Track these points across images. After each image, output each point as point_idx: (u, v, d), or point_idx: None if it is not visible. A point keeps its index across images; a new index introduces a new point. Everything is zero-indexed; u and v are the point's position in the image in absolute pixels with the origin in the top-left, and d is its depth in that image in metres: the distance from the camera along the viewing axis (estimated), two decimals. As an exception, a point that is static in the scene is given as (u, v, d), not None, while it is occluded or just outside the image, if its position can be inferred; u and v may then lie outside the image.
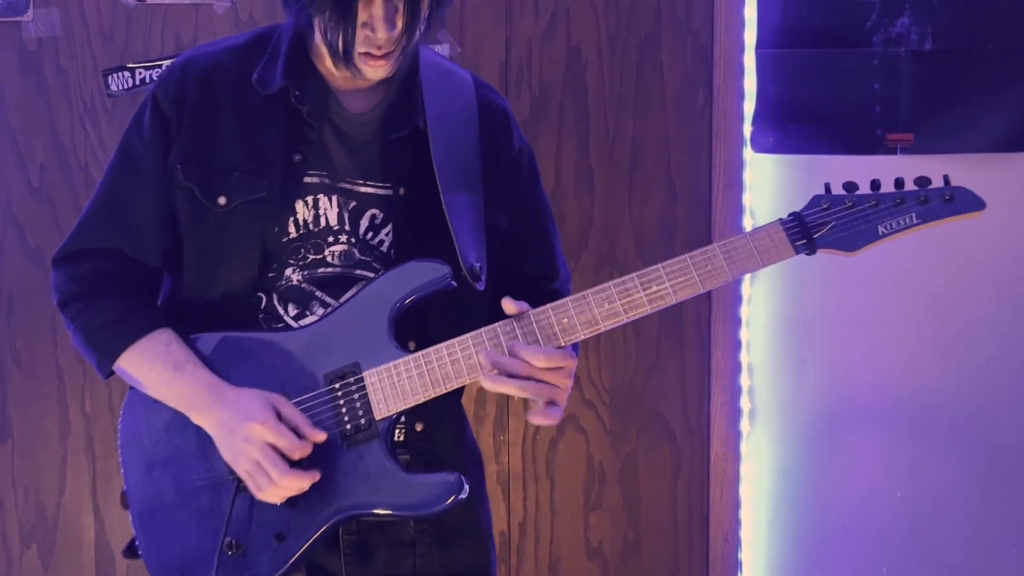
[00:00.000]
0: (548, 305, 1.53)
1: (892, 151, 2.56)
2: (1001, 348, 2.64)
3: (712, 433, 2.70)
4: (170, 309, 1.72)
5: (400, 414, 1.58)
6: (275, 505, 1.55)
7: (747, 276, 2.66)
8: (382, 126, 1.67)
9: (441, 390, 1.57)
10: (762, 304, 2.69)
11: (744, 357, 2.69)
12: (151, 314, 1.68)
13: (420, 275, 1.58)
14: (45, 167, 2.59)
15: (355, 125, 1.66)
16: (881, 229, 1.55)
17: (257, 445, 1.52)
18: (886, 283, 2.66)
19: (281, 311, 1.65)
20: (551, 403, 1.54)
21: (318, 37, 1.56)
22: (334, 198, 1.65)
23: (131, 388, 1.69)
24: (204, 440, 1.60)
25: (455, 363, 1.57)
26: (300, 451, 1.52)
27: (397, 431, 1.62)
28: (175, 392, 1.60)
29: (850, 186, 1.56)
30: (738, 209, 2.61)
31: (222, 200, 1.62)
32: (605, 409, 2.68)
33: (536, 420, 1.57)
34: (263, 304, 1.65)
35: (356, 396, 1.57)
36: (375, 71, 1.57)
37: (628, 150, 2.64)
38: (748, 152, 2.60)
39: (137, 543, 1.62)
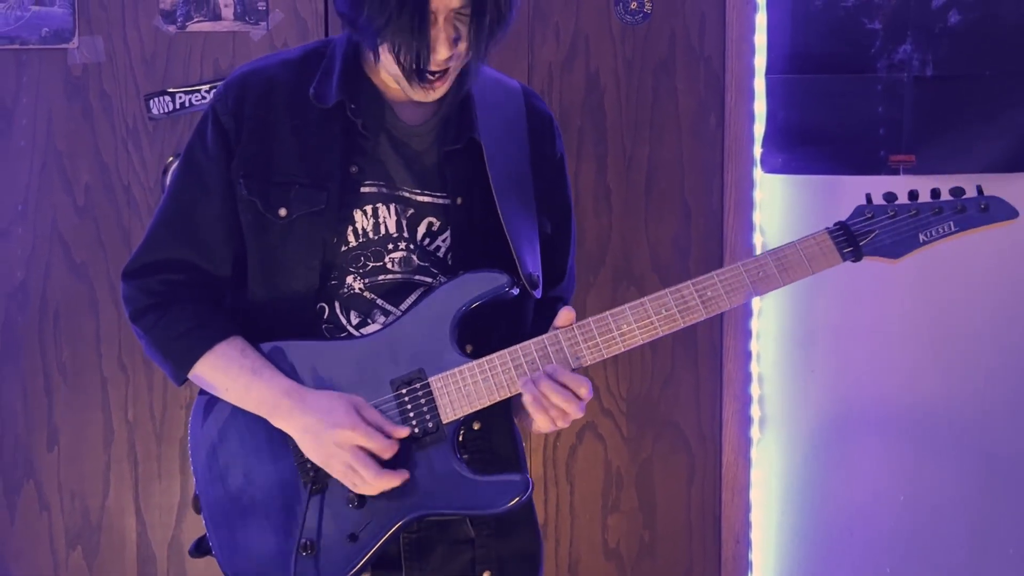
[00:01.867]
0: (608, 312, 1.55)
1: (895, 171, 2.57)
2: (999, 360, 2.64)
3: (724, 440, 2.71)
4: (236, 318, 1.70)
5: (464, 418, 1.59)
6: (348, 507, 1.56)
7: None
8: (438, 138, 1.66)
9: (506, 394, 1.58)
10: (771, 318, 2.70)
11: (754, 368, 2.71)
12: (223, 322, 1.66)
13: (481, 284, 1.59)
14: (89, 187, 2.62)
15: (411, 136, 1.65)
16: (922, 237, 1.57)
17: (348, 449, 1.53)
18: (890, 298, 2.66)
19: (344, 320, 1.64)
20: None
21: (384, 56, 1.54)
22: (392, 206, 1.64)
23: (199, 396, 1.69)
24: (275, 443, 1.60)
25: (519, 368, 1.57)
26: (389, 451, 1.54)
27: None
28: (252, 396, 1.60)
29: (890, 196, 1.58)
30: (749, 227, 2.64)
31: (283, 212, 1.62)
32: (622, 417, 2.70)
33: (537, 428, 1.60)
34: (326, 314, 1.64)
35: (423, 401, 1.58)
36: (426, 93, 1.57)
37: (644, 171, 2.66)
38: (758, 172, 2.62)
39: (211, 544, 1.62)
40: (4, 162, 2.60)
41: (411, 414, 1.58)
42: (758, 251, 2.66)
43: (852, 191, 2.60)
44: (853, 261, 1.57)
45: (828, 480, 2.71)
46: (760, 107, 2.62)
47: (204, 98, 2.60)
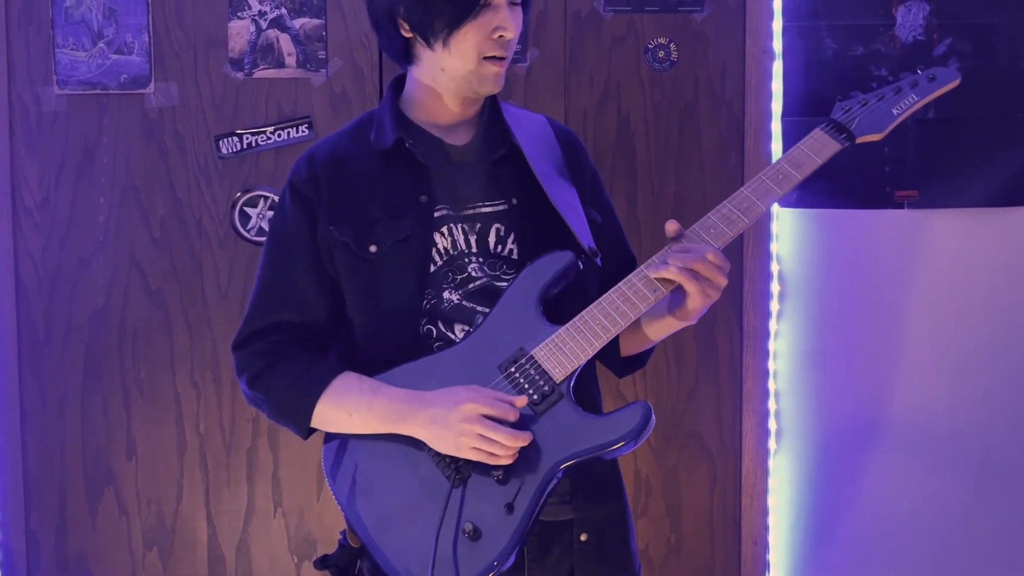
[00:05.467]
0: (694, 225, 1.64)
1: (900, 205, 2.62)
2: (997, 379, 2.68)
3: (743, 451, 2.72)
4: (349, 361, 1.71)
5: (574, 372, 1.59)
6: (496, 484, 1.56)
7: (773, 313, 2.68)
8: (483, 152, 1.73)
9: (603, 341, 1.60)
10: (787, 339, 2.72)
11: (771, 385, 2.71)
12: (332, 363, 1.69)
13: (552, 265, 1.64)
14: (164, 220, 2.66)
15: (463, 156, 1.72)
16: (895, 111, 1.69)
17: (476, 420, 1.54)
18: (894, 322, 2.69)
19: (452, 336, 1.68)
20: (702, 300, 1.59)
21: (457, 47, 1.62)
22: (461, 226, 1.70)
23: (325, 444, 1.70)
24: (409, 453, 1.61)
25: (607, 315, 1.60)
26: (513, 413, 1.55)
27: None
28: (376, 413, 1.61)
29: (857, 92, 1.75)
30: (767, 256, 2.67)
31: (373, 248, 1.67)
32: None
33: (695, 304, 1.61)
34: (434, 334, 1.68)
35: (532, 371, 1.60)
36: (497, 78, 1.66)
37: (670, 205, 2.68)
38: (775, 206, 2.64)
39: (380, 564, 1.60)
40: (87, 197, 2.65)
41: (525, 385, 1.60)
42: (774, 282, 2.69)
43: (861, 223, 2.66)
44: (849, 145, 1.67)
45: (838, 488, 2.73)
46: (777, 147, 2.63)
47: (269, 139, 2.65)
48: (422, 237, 1.69)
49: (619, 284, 1.64)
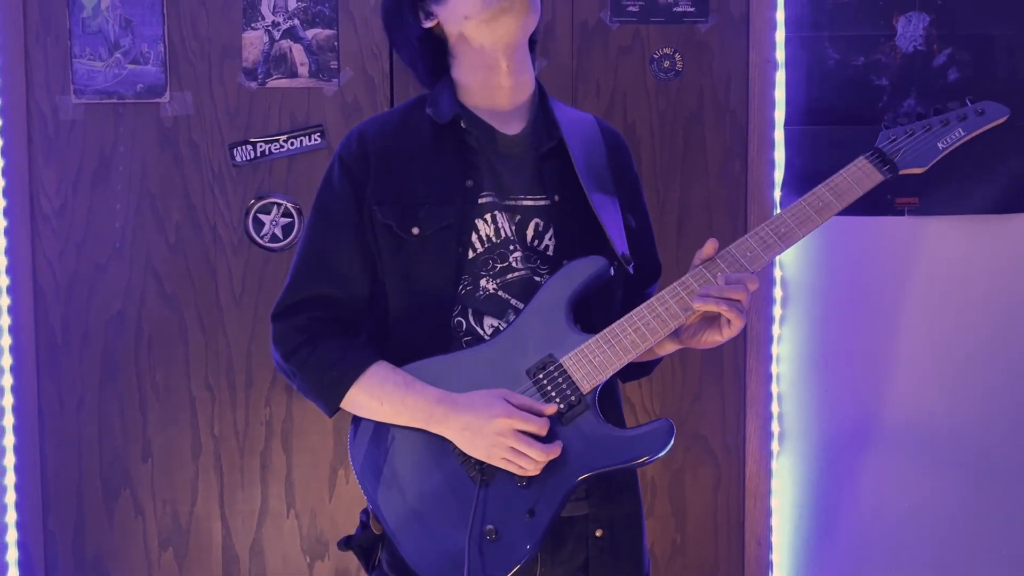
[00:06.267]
0: (730, 246, 1.63)
1: (900, 212, 2.64)
2: (995, 381, 2.69)
3: (747, 453, 2.73)
4: (376, 342, 1.72)
5: (600, 386, 1.60)
6: (520, 488, 1.57)
7: (776, 318, 2.69)
8: (532, 144, 1.73)
9: (631, 356, 1.60)
10: (790, 343, 2.72)
11: (774, 388, 2.72)
12: (368, 349, 1.69)
13: (585, 269, 1.64)
14: (180, 226, 2.67)
15: (512, 147, 1.72)
16: (940, 145, 1.66)
17: (509, 435, 1.55)
18: (895, 326, 2.70)
19: (480, 331, 1.67)
20: (737, 318, 1.58)
21: (455, 30, 1.64)
22: (503, 214, 1.70)
23: (351, 426, 1.70)
24: (434, 449, 1.61)
25: (637, 331, 1.60)
26: (545, 428, 1.56)
27: None
28: (407, 409, 1.61)
29: (904, 119, 1.70)
30: (770, 262, 2.55)
31: (415, 231, 1.67)
32: None
33: (724, 338, 1.61)
34: (464, 327, 1.67)
35: (560, 380, 1.60)
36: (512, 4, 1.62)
37: (676, 211, 2.69)
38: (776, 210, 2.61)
39: (401, 550, 1.61)
40: (104, 204, 2.67)
41: (552, 394, 1.60)
42: (777, 287, 2.71)
43: (862, 229, 2.67)
44: (891, 176, 1.65)
45: (840, 488, 2.73)
46: (779, 155, 2.65)
47: (282, 147, 2.65)
48: (463, 224, 1.68)
49: (652, 300, 1.64)
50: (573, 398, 1.61)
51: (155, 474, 2.75)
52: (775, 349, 2.74)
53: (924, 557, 2.75)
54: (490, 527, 1.57)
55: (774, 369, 2.74)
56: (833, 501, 2.75)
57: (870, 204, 2.50)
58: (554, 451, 1.56)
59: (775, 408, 2.75)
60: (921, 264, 2.70)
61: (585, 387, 1.61)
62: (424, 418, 1.62)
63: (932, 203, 2.65)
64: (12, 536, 2.75)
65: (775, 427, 2.75)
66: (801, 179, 2.64)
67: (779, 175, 2.68)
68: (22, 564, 2.75)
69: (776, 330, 2.74)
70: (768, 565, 2.77)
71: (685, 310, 1.61)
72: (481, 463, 1.60)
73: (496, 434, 1.56)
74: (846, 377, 2.73)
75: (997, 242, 2.68)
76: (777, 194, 2.68)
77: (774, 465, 2.75)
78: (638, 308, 1.63)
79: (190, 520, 2.76)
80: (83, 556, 2.77)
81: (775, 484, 2.75)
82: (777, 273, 2.73)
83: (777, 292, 2.74)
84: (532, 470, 1.57)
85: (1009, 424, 2.71)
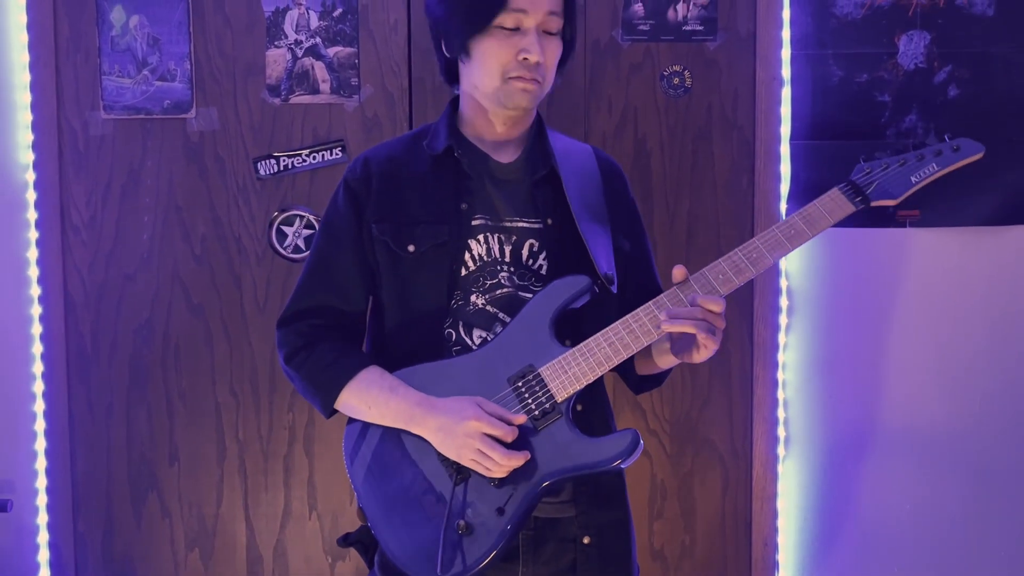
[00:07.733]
0: (704, 269, 1.67)
1: (902, 224, 2.65)
2: (994, 386, 2.70)
3: (754, 456, 2.74)
4: (375, 349, 1.82)
5: (576, 394, 1.67)
6: (492, 487, 1.65)
7: (782, 326, 2.71)
8: (526, 172, 1.80)
9: (605, 369, 1.67)
10: (795, 351, 2.74)
11: (780, 394, 2.73)
12: (362, 354, 1.80)
13: (568, 287, 1.71)
14: (205, 238, 2.71)
15: (507, 173, 1.81)
16: (913, 179, 1.69)
17: (477, 437, 1.63)
18: (896, 334, 2.70)
19: (468, 341, 1.75)
20: (707, 340, 1.61)
21: (480, 49, 1.69)
22: (497, 236, 1.78)
23: (347, 425, 1.79)
24: (417, 449, 1.70)
25: (611, 345, 1.67)
26: (511, 435, 1.63)
27: None
28: (391, 410, 1.70)
29: (880, 154, 1.73)
30: (776, 272, 2.70)
31: (411, 248, 1.76)
32: (666, 437, 2.75)
33: (701, 357, 1.65)
34: (454, 338, 1.76)
35: (537, 388, 1.67)
36: (523, 93, 1.72)
37: (685, 224, 2.71)
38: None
39: (380, 541, 1.71)
40: (132, 216, 2.71)
41: (529, 400, 1.68)
42: (783, 296, 2.72)
43: (865, 241, 2.70)
44: (863, 208, 1.68)
45: (844, 491, 2.74)
46: (785, 169, 2.66)
47: (304, 161, 2.69)
48: (457, 243, 1.77)
49: (627, 316, 1.70)
50: (548, 405, 1.68)
51: (181, 477, 2.78)
52: (781, 356, 2.76)
53: (925, 557, 2.76)
54: (462, 522, 1.65)
55: (780, 376, 2.75)
56: (837, 503, 2.76)
57: (873, 216, 2.59)
58: (517, 458, 1.63)
59: (781, 413, 2.76)
60: (922, 274, 2.71)
61: (560, 395, 1.68)
62: (405, 419, 1.71)
63: (933, 215, 2.66)
64: (44, 537, 2.78)
65: (781, 432, 2.77)
66: (806, 192, 2.65)
67: (785, 188, 2.70)
68: (53, 564, 2.79)
69: (782, 338, 2.75)
70: (774, 565, 2.78)
71: (656, 327, 1.67)
72: (459, 464, 1.68)
73: (466, 435, 1.64)
74: (849, 383, 2.74)
75: (995, 253, 2.69)
76: (783, 207, 2.70)
77: (780, 468, 2.76)
78: (614, 324, 1.69)
79: (215, 522, 2.78)
80: (112, 557, 2.80)
81: (781, 487, 2.76)
82: (783, 283, 2.74)
83: (783, 301, 2.77)
84: (497, 472, 1.64)
85: (1007, 428, 2.72)
